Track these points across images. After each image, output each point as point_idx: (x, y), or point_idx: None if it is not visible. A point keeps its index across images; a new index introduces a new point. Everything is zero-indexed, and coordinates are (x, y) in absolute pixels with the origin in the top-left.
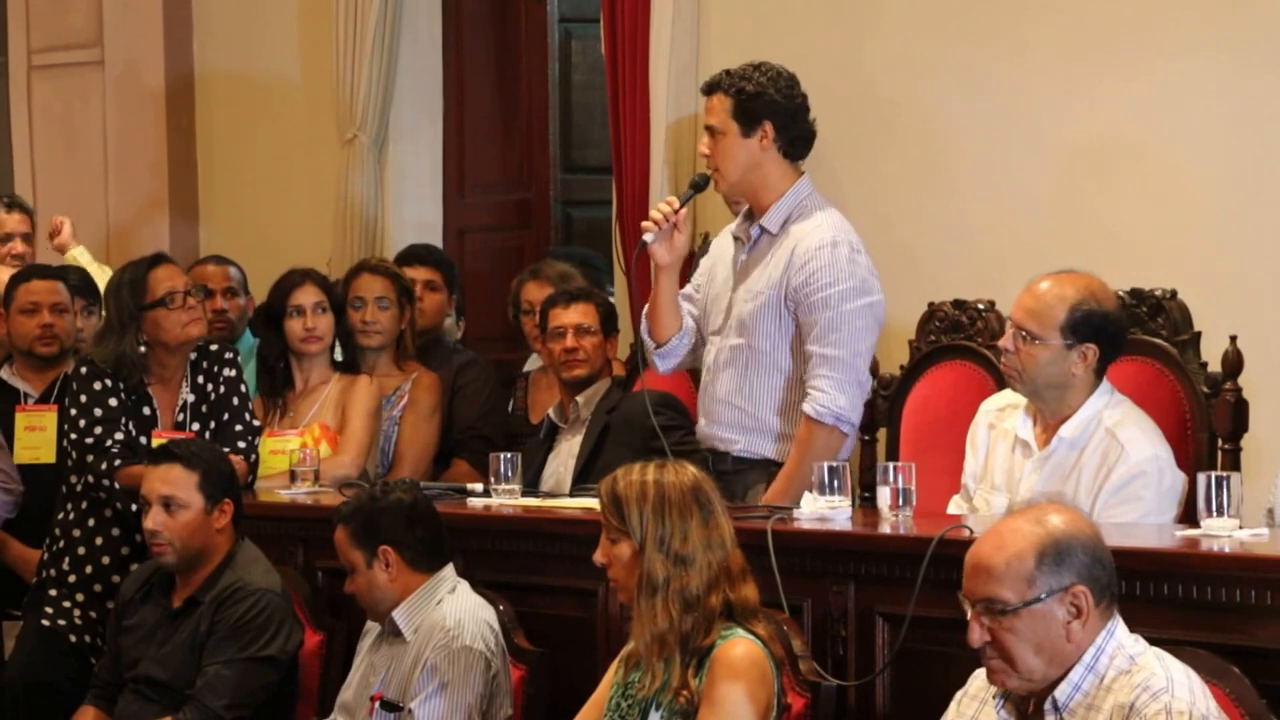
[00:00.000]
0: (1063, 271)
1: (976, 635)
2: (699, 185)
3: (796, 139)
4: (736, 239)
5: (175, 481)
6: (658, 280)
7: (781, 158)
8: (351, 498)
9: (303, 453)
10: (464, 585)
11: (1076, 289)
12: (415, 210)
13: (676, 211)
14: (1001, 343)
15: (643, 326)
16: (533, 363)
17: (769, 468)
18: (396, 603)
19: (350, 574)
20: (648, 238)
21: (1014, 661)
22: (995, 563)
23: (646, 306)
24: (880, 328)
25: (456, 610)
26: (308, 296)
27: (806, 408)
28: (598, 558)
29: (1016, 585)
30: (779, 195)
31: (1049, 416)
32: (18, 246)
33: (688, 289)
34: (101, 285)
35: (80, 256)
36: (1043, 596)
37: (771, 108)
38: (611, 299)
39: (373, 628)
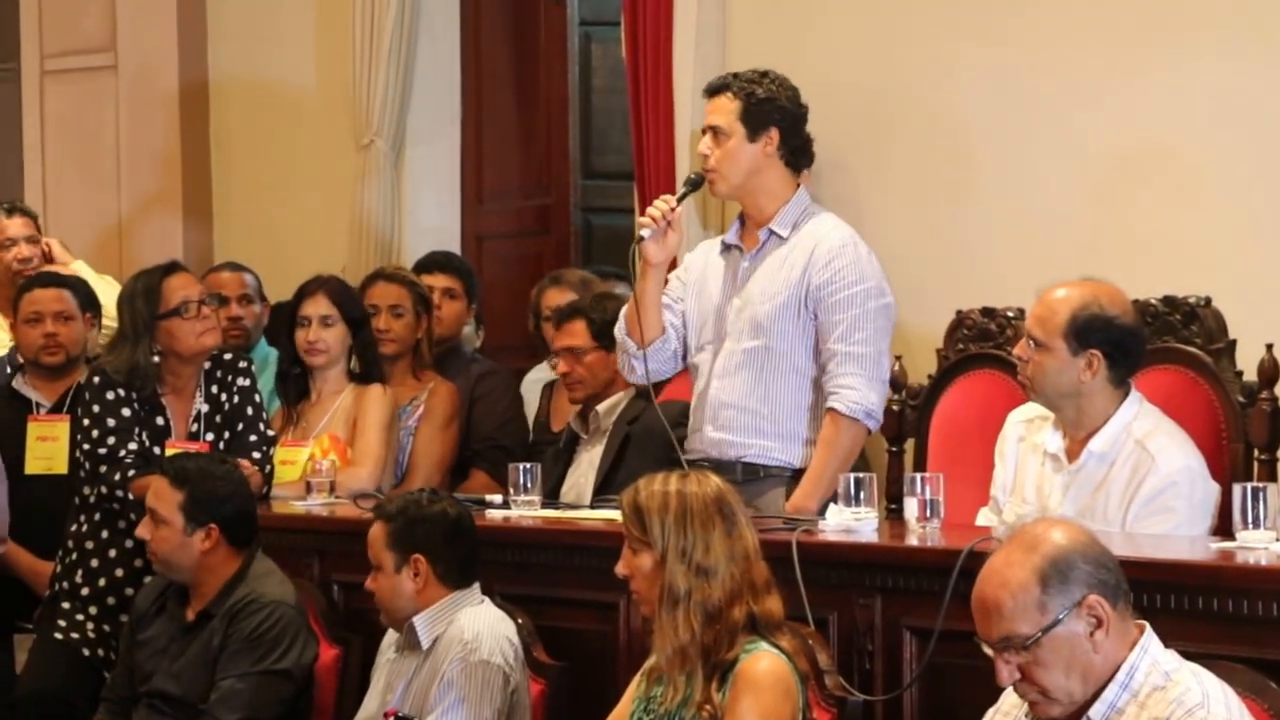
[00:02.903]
0: (1079, 279)
1: (1005, 675)
2: (695, 183)
3: (797, 148)
4: (734, 248)
5: (160, 496)
6: (645, 280)
7: (783, 166)
8: (398, 498)
9: (316, 464)
10: (486, 601)
11: (1082, 295)
12: (432, 216)
13: (673, 209)
14: (1016, 351)
15: (620, 328)
16: (538, 372)
17: (783, 477)
18: (413, 612)
19: (374, 571)
20: (645, 233)
21: (1048, 690)
22: (1002, 600)
23: (626, 307)
24: (893, 331)
25: (475, 624)
26: (315, 308)
27: (836, 404)
28: (619, 569)
29: (1030, 616)
30: (782, 202)
31: (1072, 428)
32: (23, 251)
33: (665, 299)
34: (104, 298)
35: (79, 271)
36: (1059, 618)
37: (780, 114)
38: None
39: (389, 644)
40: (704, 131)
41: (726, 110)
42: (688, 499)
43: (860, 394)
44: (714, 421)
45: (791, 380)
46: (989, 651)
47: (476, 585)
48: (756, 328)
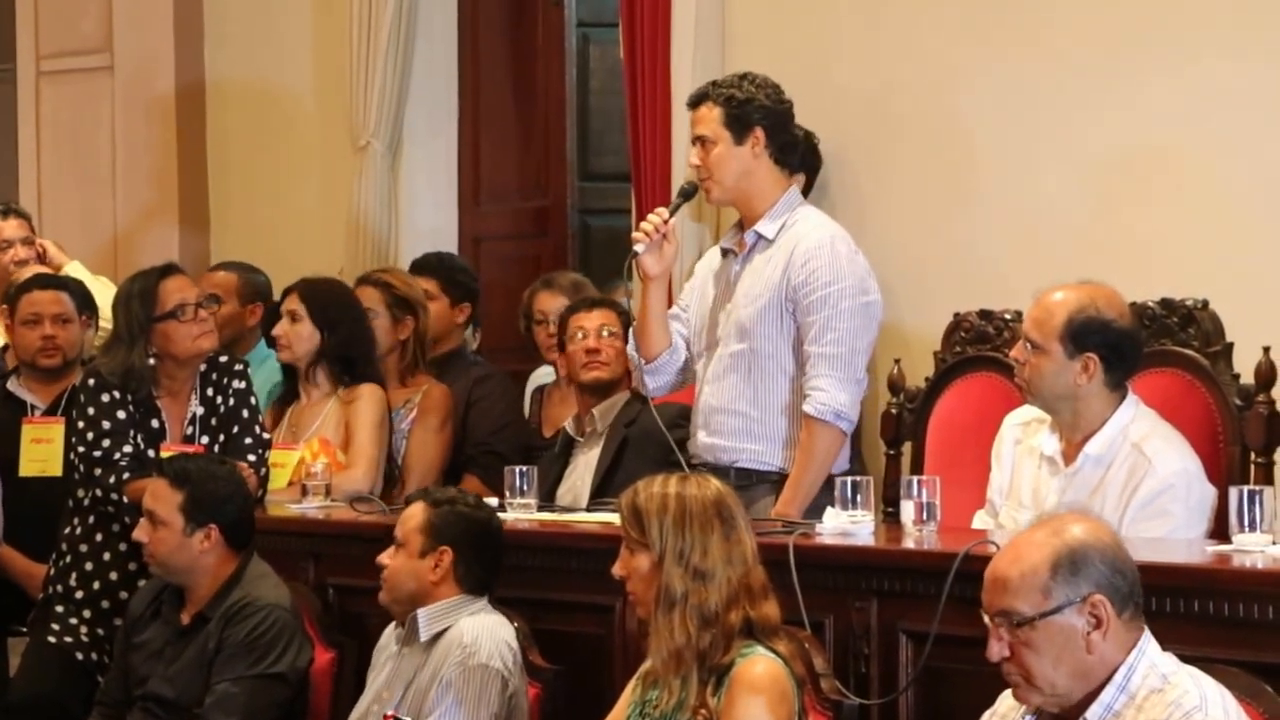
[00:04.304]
0: (1077, 282)
1: (995, 650)
2: (688, 193)
3: (785, 145)
4: (729, 251)
5: (160, 497)
6: (646, 293)
7: (773, 165)
8: (447, 489)
9: (308, 467)
10: (488, 607)
11: (1079, 297)
12: (429, 218)
13: (666, 221)
14: (1012, 354)
15: (630, 344)
16: (538, 376)
17: (773, 481)
18: (417, 601)
19: (395, 548)
20: (639, 249)
21: (1032, 675)
22: (1010, 575)
23: (634, 323)
24: (878, 327)
25: (475, 627)
26: (286, 304)
27: (807, 407)
28: (616, 570)
29: (1032, 597)
30: (771, 203)
31: (1069, 431)
32: (20, 252)
33: (674, 309)
34: (100, 299)
35: (75, 271)
36: (1060, 607)
37: (762, 113)
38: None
39: (388, 639)
40: (692, 143)
41: (709, 119)
42: (687, 501)
43: (829, 395)
44: (706, 427)
45: (779, 382)
46: (986, 621)
47: (486, 598)
48: (742, 331)
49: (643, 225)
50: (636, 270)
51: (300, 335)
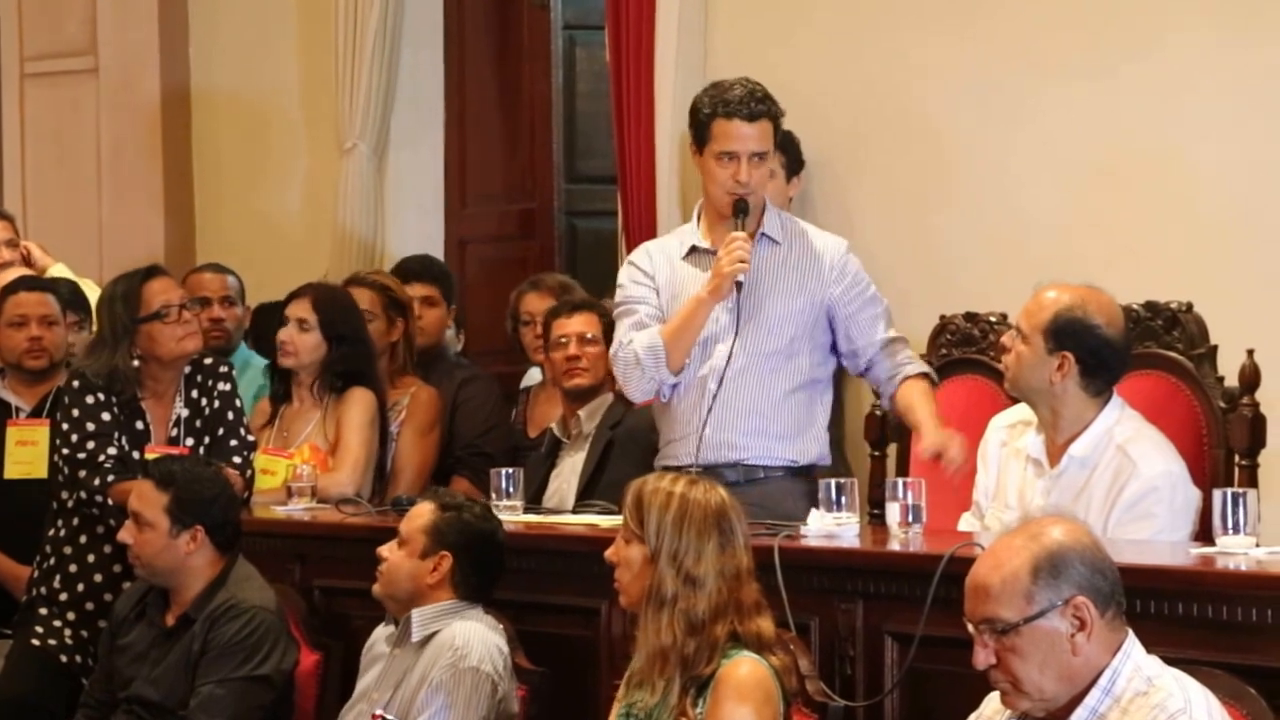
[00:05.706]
0: (1080, 283)
1: (981, 658)
2: (746, 211)
3: None
4: (708, 253)
5: (145, 498)
6: (701, 313)
7: None
8: (461, 495)
9: (296, 470)
10: (480, 612)
11: (1071, 298)
12: (416, 221)
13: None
14: (1002, 339)
15: (658, 358)
16: (529, 378)
17: (778, 477)
18: (411, 600)
19: (397, 541)
20: (741, 278)
21: (1020, 681)
22: (992, 582)
23: (666, 338)
24: None
25: (466, 631)
26: (295, 310)
27: (920, 369)
28: (609, 554)
29: (1015, 603)
30: (763, 208)
31: (1053, 432)
32: (4, 255)
33: (646, 309)
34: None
35: (60, 274)
36: (1043, 611)
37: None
38: None
39: (379, 638)
40: (736, 156)
41: (768, 136)
42: (689, 504)
43: (921, 365)
44: (714, 423)
45: (801, 379)
46: (971, 630)
47: (480, 607)
48: (769, 333)
49: (737, 254)
50: (716, 290)
51: (307, 345)
